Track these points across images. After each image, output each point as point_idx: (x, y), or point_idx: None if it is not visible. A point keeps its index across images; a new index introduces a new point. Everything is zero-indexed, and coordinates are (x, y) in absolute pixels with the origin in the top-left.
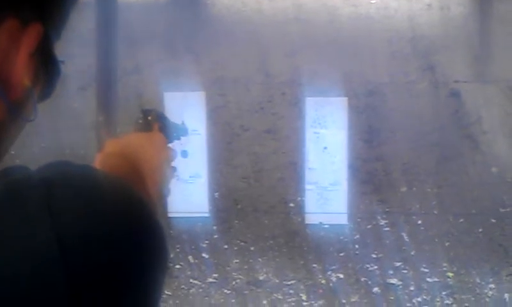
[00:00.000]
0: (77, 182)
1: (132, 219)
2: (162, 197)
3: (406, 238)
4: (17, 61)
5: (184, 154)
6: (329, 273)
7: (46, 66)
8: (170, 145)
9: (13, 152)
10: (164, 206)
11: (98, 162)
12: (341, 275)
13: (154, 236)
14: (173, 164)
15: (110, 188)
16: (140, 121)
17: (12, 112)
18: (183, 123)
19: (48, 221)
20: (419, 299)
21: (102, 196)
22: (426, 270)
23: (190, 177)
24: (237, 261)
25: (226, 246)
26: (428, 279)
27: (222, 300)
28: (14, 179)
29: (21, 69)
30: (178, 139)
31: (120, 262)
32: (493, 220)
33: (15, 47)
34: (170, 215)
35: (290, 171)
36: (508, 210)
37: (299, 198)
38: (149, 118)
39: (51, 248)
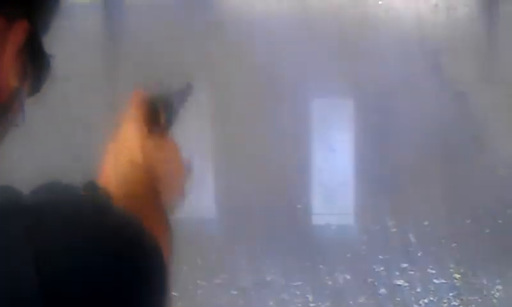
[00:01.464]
0: (65, 213)
1: (124, 254)
2: (176, 209)
3: (412, 239)
4: (3, 61)
5: (192, 156)
6: (336, 274)
7: (34, 61)
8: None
9: (19, 153)
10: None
11: (108, 167)
12: (348, 277)
13: (148, 272)
14: (190, 164)
15: (102, 220)
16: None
17: None
18: (188, 83)
19: (28, 255)
20: (426, 300)
21: (90, 228)
22: (433, 271)
23: (197, 178)
24: (244, 262)
25: (232, 247)
26: (435, 281)
27: (229, 301)
28: (1, 202)
29: (8, 69)
30: (185, 103)
31: (105, 298)
32: (500, 222)
33: (0, 46)
34: (177, 216)
35: (298, 171)
36: None
37: (306, 199)
38: (155, 106)
39: (31, 281)
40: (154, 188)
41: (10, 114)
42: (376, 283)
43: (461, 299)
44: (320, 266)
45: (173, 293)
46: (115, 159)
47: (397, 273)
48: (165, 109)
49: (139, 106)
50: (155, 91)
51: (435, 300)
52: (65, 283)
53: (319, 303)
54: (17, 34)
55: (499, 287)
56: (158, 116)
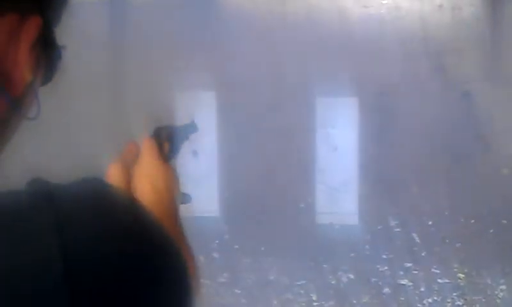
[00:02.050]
0: (96, 207)
1: (147, 247)
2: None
3: (416, 239)
4: (18, 55)
5: (195, 154)
6: (339, 273)
7: (46, 53)
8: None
9: (27, 151)
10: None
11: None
12: (352, 276)
13: (169, 263)
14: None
15: (130, 215)
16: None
17: (14, 109)
18: (193, 122)
19: (55, 244)
20: (430, 300)
21: (119, 224)
22: (437, 271)
23: (200, 177)
24: (248, 261)
25: (236, 246)
26: (439, 280)
27: (232, 300)
28: (34, 193)
29: (22, 64)
30: (187, 138)
31: (128, 285)
32: (504, 221)
33: (14, 42)
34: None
35: (301, 171)
36: None
37: (309, 198)
38: (159, 137)
39: (56, 271)
40: (174, 208)
41: (24, 107)
42: (379, 283)
43: (465, 299)
44: (324, 265)
45: None
46: (138, 183)
47: (401, 272)
48: (169, 141)
49: (152, 147)
50: (160, 125)
51: (439, 299)
52: (89, 272)
53: (323, 302)
54: (30, 30)
55: (503, 287)
56: (162, 147)
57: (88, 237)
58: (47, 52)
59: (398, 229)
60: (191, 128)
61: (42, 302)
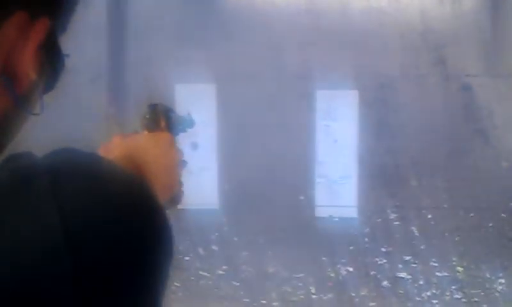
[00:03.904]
0: (82, 169)
1: (136, 206)
2: (174, 200)
3: (415, 232)
4: (25, 54)
5: (194, 146)
6: (338, 266)
7: (51, 58)
8: (178, 140)
9: (26, 143)
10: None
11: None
12: (350, 269)
13: (158, 222)
14: (183, 158)
15: (115, 175)
16: (147, 117)
17: (18, 105)
18: (189, 115)
19: (53, 208)
20: (428, 293)
21: (107, 183)
22: (436, 264)
23: (200, 169)
24: (247, 253)
25: (235, 238)
26: (437, 274)
27: (231, 292)
28: (20, 165)
29: (28, 62)
30: (185, 131)
31: (124, 248)
32: (504, 215)
33: (23, 41)
34: (180, 207)
35: (301, 163)
36: None
37: (309, 191)
38: (155, 112)
39: (56, 235)
40: (171, 171)
41: (29, 104)
42: (378, 276)
43: (464, 292)
44: (323, 258)
45: (176, 284)
46: (111, 154)
47: (400, 266)
48: (165, 116)
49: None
50: (156, 101)
51: (438, 293)
52: (88, 235)
53: (321, 295)
54: (39, 31)
55: (502, 280)
56: (158, 121)
57: (83, 201)
58: (51, 58)
59: (397, 223)
60: (188, 122)
61: (45, 269)
